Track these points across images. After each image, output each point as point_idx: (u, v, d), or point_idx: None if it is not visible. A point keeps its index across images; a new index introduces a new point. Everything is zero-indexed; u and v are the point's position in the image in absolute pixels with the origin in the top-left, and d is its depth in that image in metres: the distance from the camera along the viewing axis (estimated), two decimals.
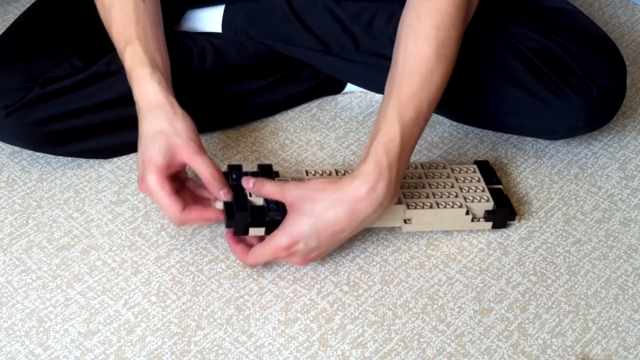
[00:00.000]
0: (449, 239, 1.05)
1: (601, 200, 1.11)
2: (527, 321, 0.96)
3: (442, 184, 1.05)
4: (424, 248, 1.04)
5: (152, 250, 1.03)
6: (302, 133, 1.21)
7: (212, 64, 1.17)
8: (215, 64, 1.17)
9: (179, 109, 0.98)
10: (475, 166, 1.09)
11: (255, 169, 1.05)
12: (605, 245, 1.05)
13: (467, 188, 1.05)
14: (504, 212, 1.04)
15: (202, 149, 0.98)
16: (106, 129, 1.12)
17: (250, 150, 1.18)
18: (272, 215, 0.98)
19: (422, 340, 0.94)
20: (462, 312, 0.97)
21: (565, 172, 1.15)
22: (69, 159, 1.14)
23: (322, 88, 1.25)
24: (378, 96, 1.25)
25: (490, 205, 1.04)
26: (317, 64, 1.21)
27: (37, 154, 1.15)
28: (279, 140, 1.19)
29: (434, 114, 1.22)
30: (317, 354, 0.92)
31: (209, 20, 1.20)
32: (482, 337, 0.94)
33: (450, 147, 1.18)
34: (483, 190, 1.05)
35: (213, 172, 0.97)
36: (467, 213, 1.03)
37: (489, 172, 1.09)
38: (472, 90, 1.11)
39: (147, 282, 0.99)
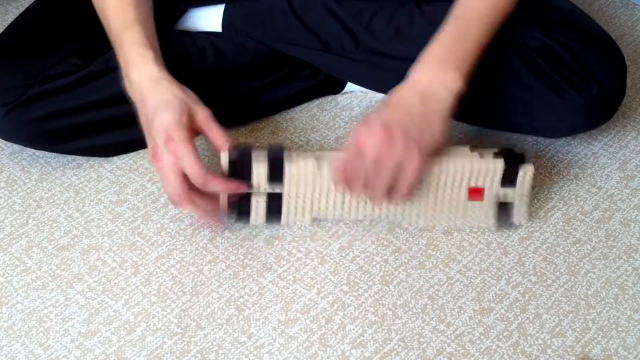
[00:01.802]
0: (449, 239, 1.05)
1: (601, 200, 1.11)
2: (527, 321, 0.96)
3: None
4: (424, 248, 1.04)
5: (152, 250, 1.03)
6: (302, 133, 1.21)
7: (212, 63, 1.17)
8: (215, 63, 1.17)
9: (184, 86, 1.00)
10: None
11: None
12: (605, 245, 1.05)
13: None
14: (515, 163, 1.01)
15: (214, 117, 1.00)
16: (106, 127, 1.12)
17: None
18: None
19: (422, 340, 0.94)
20: (462, 312, 0.97)
21: (565, 172, 1.15)
22: (69, 158, 1.15)
23: (322, 88, 1.25)
24: (378, 96, 1.25)
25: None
26: (317, 63, 1.21)
27: (37, 153, 1.15)
28: (279, 140, 1.19)
29: None
30: (317, 354, 0.92)
31: (209, 19, 1.20)
32: (482, 337, 0.94)
33: None
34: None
35: (227, 138, 0.99)
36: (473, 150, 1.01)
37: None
38: (473, 89, 1.11)
39: (147, 282, 0.99)
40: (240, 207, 1.02)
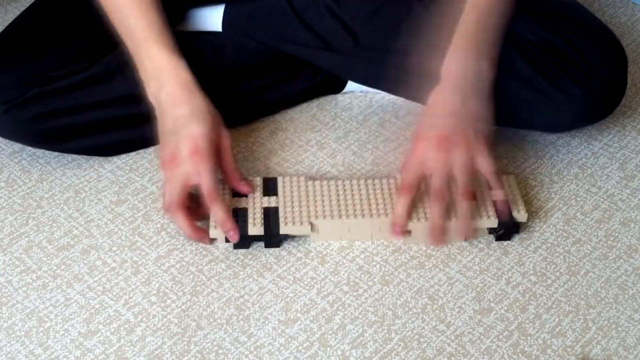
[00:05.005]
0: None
1: (601, 200, 1.11)
2: (527, 321, 0.96)
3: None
4: (424, 248, 1.04)
5: (152, 250, 1.03)
6: (302, 133, 1.20)
7: (212, 63, 1.17)
8: (215, 63, 1.17)
9: (212, 103, 1.03)
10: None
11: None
12: (605, 245, 1.05)
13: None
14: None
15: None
16: (106, 127, 1.12)
17: (250, 150, 1.18)
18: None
19: (422, 340, 0.94)
20: (462, 312, 0.97)
21: (565, 172, 1.15)
22: (69, 158, 1.14)
23: (322, 87, 1.25)
24: (378, 96, 1.25)
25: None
26: (318, 62, 1.21)
27: (37, 153, 1.15)
28: (279, 140, 1.19)
29: None
30: (317, 354, 0.92)
31: (209, 19, 1.20)
32: (482, 337, 0.94)
33: None
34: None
35: (237, 165, 1.04)
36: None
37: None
38: None
39: (147, 282, 0.99)
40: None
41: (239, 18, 1.19)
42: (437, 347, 0.93)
